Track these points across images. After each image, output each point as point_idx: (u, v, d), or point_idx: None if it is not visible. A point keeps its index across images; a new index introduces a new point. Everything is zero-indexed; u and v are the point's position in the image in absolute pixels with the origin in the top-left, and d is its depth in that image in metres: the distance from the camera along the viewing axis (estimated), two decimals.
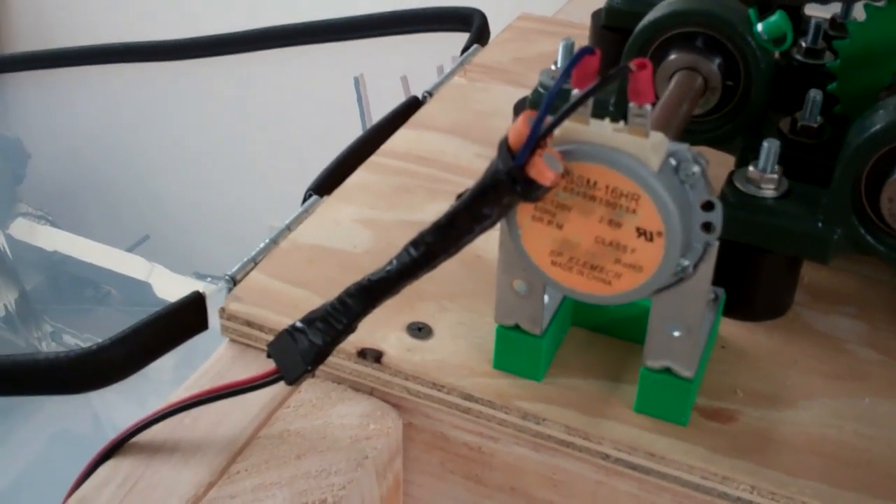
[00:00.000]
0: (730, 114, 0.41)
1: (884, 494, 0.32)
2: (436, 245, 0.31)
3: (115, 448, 0.33)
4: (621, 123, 0.29)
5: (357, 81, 1.21)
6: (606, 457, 0.33)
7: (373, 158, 0.47)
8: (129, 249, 1.42)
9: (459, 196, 0.31)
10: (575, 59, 0.28)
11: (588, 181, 0.30)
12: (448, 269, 0.40)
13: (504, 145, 0.29)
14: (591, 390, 0.35)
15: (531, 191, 0.29)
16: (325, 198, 0.45)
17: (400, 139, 0.49)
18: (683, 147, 0.30)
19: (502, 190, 0.29)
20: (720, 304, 0.37)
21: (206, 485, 0.32)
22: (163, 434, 0.34)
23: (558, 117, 0.28)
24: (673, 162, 0.30)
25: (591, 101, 0.29)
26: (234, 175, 1.44)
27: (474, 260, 0.40)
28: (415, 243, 0.31)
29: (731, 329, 0.38)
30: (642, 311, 0.35)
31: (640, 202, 0.29)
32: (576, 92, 0.28)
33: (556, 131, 0.29)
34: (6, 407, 1.02)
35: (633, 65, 0.27)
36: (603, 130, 0.29)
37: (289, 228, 0.42)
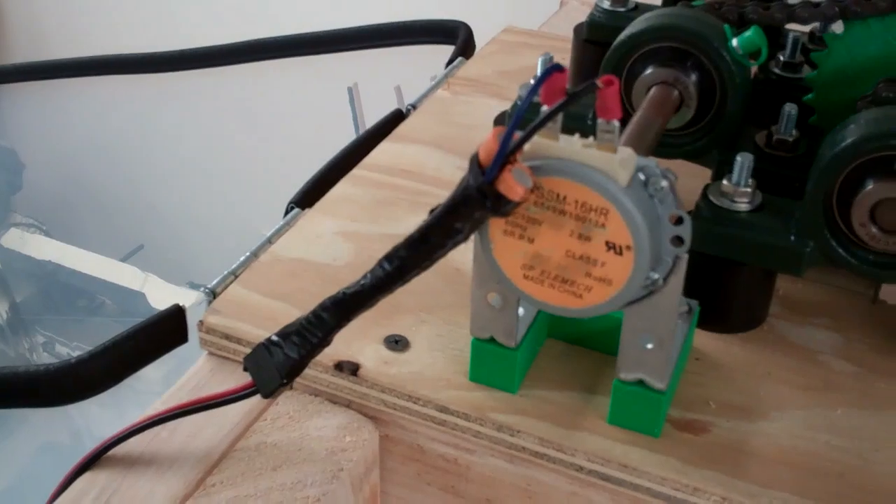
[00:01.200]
0: (706, 127, 0.42)
1: None
2: (409, 259, 0.31)
3: (93, 460, 0.34)
4: (591, 139, 0.29)
5: (351, 91, 1.22)
6: (580, 468, 0.33)
7: (355, 171, 0.48)
8: (124, 259, 1.42)
9: (432, 211, 0.31)
10: (543, 76, 0.28)
11: (558, 196, 0.30)
12: (426, 282, 0.40)
13: (475, 161, 0.29)
14: (566, 402, 0.35)
15: (501, 205, 0.29)
16: (307, 210, 0.45)
17: (382, 152, 0.50)
18: (652, 162, 0.30)
19: (473, 205, 0.30)
20: (694, 317, 0.37)
21: (182, 497, 0.32)
22: (140, 446, 0.34)
23: (526, 134, 0.28)
24: (642, 176, 0.30)
25: (560, 117, 0.29)
26: (229, 185, 1.44)
27: (453, 273, 0.40)
28: (388, 258, 0.32)
29: (706, 341, 0.38)
30: (617, 324, 0.35)
31: (609, 216, 0.30)
32: (545, 108, 0.29)
33: (527, 147, 0.29)
34: None
35: (600, 82, 0.28)
36: (572, 146, 0.29)
37: (269, 241, 0.43)
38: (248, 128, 1.39)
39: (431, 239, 0.31)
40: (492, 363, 0.35)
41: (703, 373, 0.37)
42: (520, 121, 0.28)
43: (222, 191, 1.44)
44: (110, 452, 0.34)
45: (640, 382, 0.33)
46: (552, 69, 0.28)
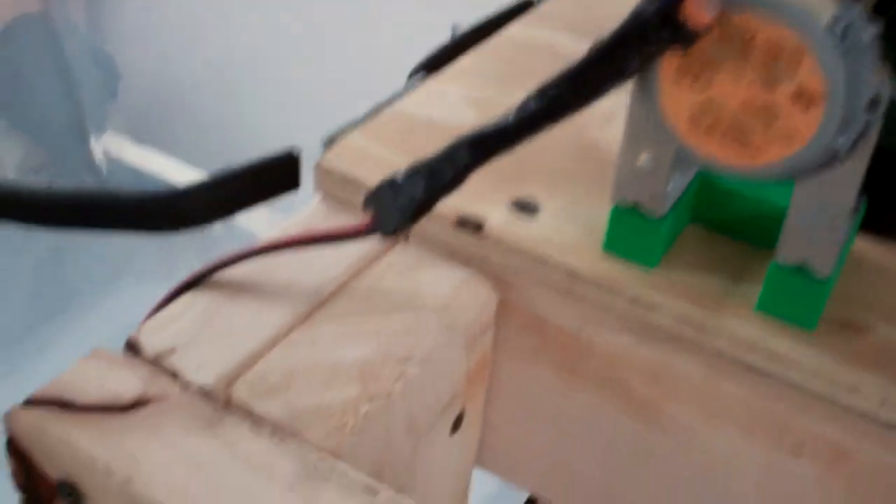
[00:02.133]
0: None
1: None
2: (563, 97, 0.28)
3: (194, 282, 0.32)
4: None
5: (455, 29, 1.19)
6: (721, 354, 0.30)
7: (483, 45, 0.45)
8: None
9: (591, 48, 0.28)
10: None
11: (745, 34, 0.26)
12: (559, 151, 0.37)
13: None
14: (709, 286, 0.32)
15: (681, 36, 0.26)
16: (432, 76, 0.42)
17: (513, 31, 0.46)
18: (855, 10, 0.26)
19: (647, 33, 0.26)
20: (860, 214, 0.33)
21: (288, 327, 0.30)
22: (246, 275, 0.32)
23: None
24: (842, 24, 0.26)
25: None
26: (327, 112, 1.43)
27: (589, 146, 0.37)
28: (539, 94, 0.29)
29: (869, 247, 0.34)
30: (773, 211, 0.32)
31: (803, 62, 0.26)
32: None
33: None
34: (62, 305, 1.03)
35: None
36: None
37: (392, 100, 0.40)
38: (351, 55, 1.38)
39: (592, 75, 0.28)
40: (631, 233, 0.32)
41: (866, 274, 0.33)
42: None
43: (321, 118, 1.43)
44: (213, 277, 0.32)
45: (801, 268, 0.30)
46: None
